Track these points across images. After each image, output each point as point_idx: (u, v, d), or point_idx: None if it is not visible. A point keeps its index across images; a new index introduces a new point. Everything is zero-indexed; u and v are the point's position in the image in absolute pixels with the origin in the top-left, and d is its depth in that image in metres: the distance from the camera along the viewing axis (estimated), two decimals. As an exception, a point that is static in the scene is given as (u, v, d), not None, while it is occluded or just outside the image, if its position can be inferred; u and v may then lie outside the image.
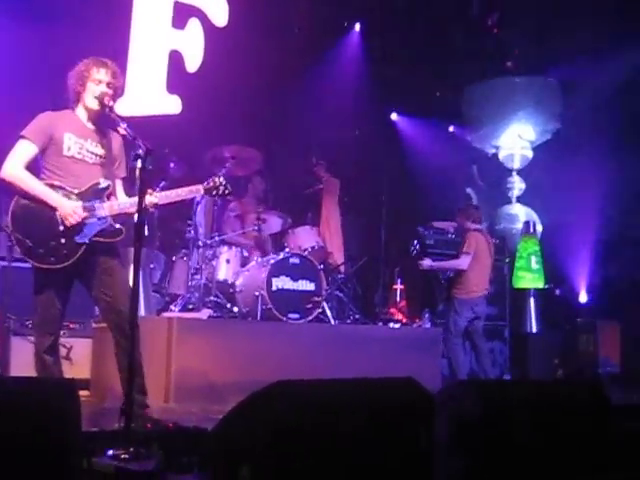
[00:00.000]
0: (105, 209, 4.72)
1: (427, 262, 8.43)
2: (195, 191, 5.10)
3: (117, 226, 4.78)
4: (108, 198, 4.79)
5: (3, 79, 7.41)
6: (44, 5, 7.94)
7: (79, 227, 4.65)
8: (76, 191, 4.70)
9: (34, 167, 4.78)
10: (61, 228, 4.62)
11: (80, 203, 4.67)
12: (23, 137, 4.70)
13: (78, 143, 4.77)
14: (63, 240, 4.62)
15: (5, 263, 7.28)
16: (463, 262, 8.14)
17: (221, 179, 5.17)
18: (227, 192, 5.20)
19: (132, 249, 4.28)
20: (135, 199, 4.61)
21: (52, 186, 4.67)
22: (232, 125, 9.80)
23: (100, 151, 4.85)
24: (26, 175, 4.66)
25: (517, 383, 5.80)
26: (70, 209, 4.62)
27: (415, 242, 9.12)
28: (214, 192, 5.15)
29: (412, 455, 3.44)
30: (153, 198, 4.76)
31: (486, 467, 3.48)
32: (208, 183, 5.12)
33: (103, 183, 4.76)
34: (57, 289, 4.71)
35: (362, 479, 3.23)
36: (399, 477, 3.36)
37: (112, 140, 4.91)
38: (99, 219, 4.71)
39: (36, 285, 4.72)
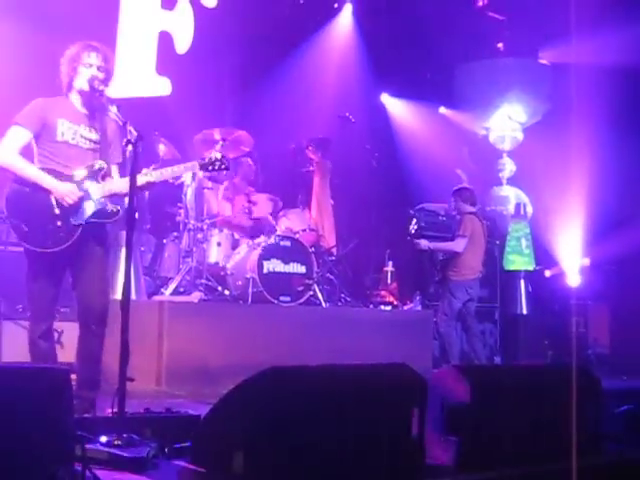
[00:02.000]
0: (99, 190, 4.70)
1: (424, 243, 8.45)
2: (191, 167, 5.09)
3: (113, 207, 4.75)
4: (103, 180, 4.77)
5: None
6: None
7: (74, 209, 4.63)
8: (70, 174, 4.69)
9: (27, 153, 4.77)
10: (57, 211, 4.61)
11: (74, 185, 4.66)
12: (16, 123, 4.68)
13: (72, 129, 4.74)
14: (59, 223, 4.61)
15: (-5, 248, 7.27)
16: (459, 245, 8.15)
17: (217, 154, 5.13)
18: (223, 166, 5.12)
19: (124, 232, 4.27)
20: (122, 181, 4.66)
21: (46, 170, 4.65)
22: (222, 107, 9.77)
23: (94, 136, 4.82)
24: (20, 160, 4.64)
25: (506, 368, 5.84)
26: (65, 190, 4.61)
27: (414, 222, 9.10)
28: (210, 167, 5.09)
29: (406, 437, 3.46)
30: (148, 177, 4.72)
31: (476, 449, 3.51)
32: (203, 158, 5.08)
33: (97, 165, 4.74)
34: (52, 274, 4.70)
35: (356, 463, 3.25)
36: (393, 459, 3.38)
37: (107, 125, 4.87)
38: (94, 200, 4.69)
39: (30, 270, 4.71)
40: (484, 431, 3.54)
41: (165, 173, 4.89)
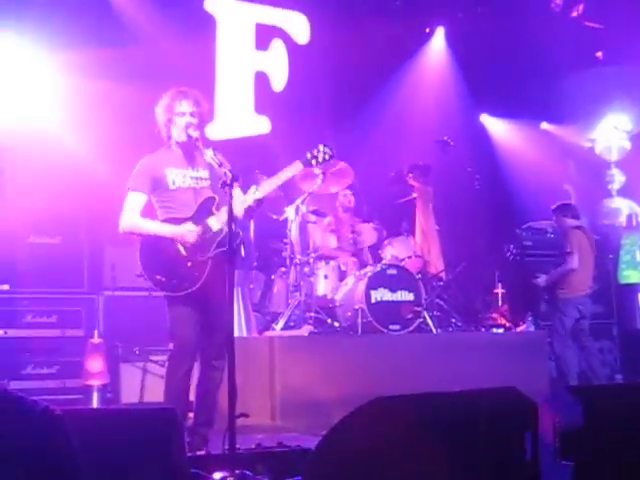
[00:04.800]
0: (217, 220, 4.84)
1: (542, 280, 8.21)
2: (294, 168, 5.04)
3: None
4: (218, 210, 4.89)
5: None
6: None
7: (198, 246, 4.81)
8: (190, 216, 4.86)
9: (149, 208, 5.00)
10: (184, 254, 4.81)
11: (190, 223, 4.82)
12: (130, 189, 4.94)
13: (180, 174, 4.94)
14: (189, 264, 4.80)
15: (110, 293, 7.54)
16: (572, 262, 7.94)
17: (319, 146, 5.12)
18: (327, 156, 5.10)
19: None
20: (242, 198, 4.76)
21: (168, 220, 4.86)
22: (321, 140, 9.84)
23: (203, 173, 4.99)
24: (140, 220, 4.91)
25: (622, 386, 5.63)
26: (182, 231, 4.80)
27: (511, 246, 8.87)
28: (314, 162, 5.09)
29: (520, 464, 3.38)
30: (257, 194, 4.80)
31: (592, 473, 3.39)
32: (305, 156, 5.08)
33: (210, 199, 4.87)
34: (192, 315, 4.85)
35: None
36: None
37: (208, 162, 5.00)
38: (214, 232, 4.83)
39: (174, 314, 4.87)
40: (600, 455, 3.42)
41: (271, 183, 4.94)
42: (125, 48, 7.96)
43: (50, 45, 7.71)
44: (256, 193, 4.82)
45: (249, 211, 4.85)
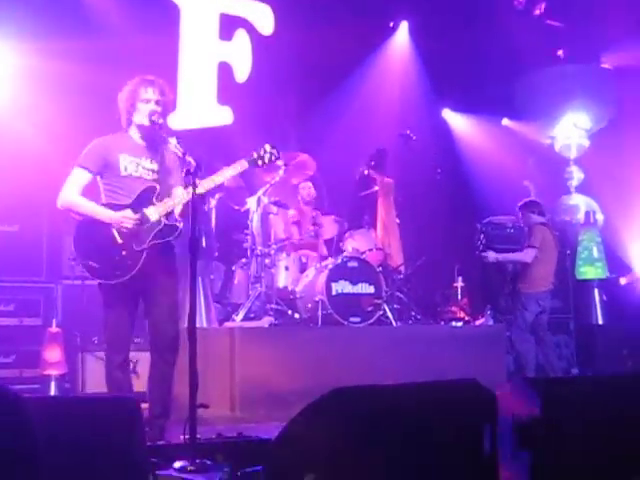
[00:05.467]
0: (156, 211, 4.79)
1: (492, 255, 8.34)
2: (239, 166, 4.97)
3: (172, 223, 4.82)
4: (159, 201, 4.84)
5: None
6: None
7: (135, 235, 4.74)
8: (129, 203, 4.80)
9: (94, 190, 4.92)
10: (119, 241, 4.73)
11: (128, 210, 4.76)
12: (77, 165, 4.85)
13: (134, 162, 4.87)
14: (124, 252, 4.73)
15: (69, 282, 7.47)
16: (528, 255, 8.05)
17: (266, 146, 5.05)
18: (274, 157, 5.04)
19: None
20: (180, 193, 4.74)
21: (111, 205, 4.78)
22: (284, 132, 9.85)
23: (155, 166, 4.94)
24: (79, 199, 4.82)
25: (579, 379, 5.71)
26: (119, 217, 4.73)
27: (481, 236, 8.98)
28: (260, 162, 5.02)
29: (478, 454, 3.41)
30: (200, 189, 4.64)
31: (548, 464, 3.44)
32: (251, 155, 5.03)
33: (150, 188, 4.83)
34: (126, 305, 4.82)
35: (427, 482, 3.23)
36: (466, 476, 3.34)
37: (165, 153, 4.97)
38: (152, 222, 4.78)
39: (106, 303, 4.84)
40: (556, 446, 3.47)
41: (215, 179, 4.85)
42: (87, 34, 7.86)
43: (6, 30, 7.60)
44: (200, 188, 4.66)
45: (188, 207, 4.73)
